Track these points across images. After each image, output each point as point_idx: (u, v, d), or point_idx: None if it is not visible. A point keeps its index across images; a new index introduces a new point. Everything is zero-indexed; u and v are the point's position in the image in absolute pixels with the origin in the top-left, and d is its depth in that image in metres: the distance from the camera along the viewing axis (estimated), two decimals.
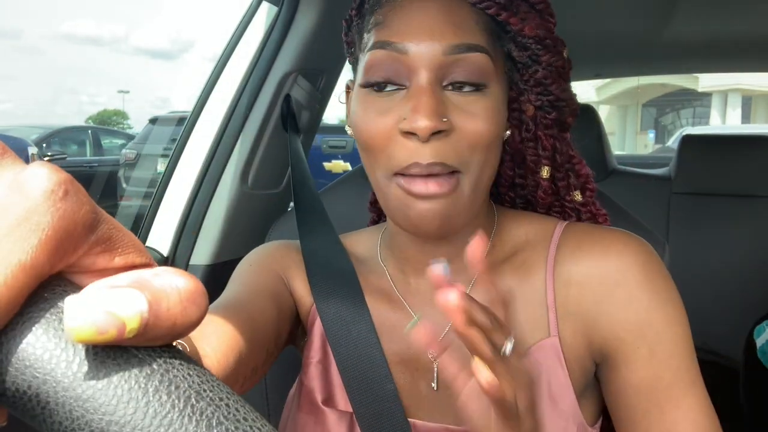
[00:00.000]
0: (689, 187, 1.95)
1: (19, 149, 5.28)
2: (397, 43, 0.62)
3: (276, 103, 1.26)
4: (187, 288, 0.23)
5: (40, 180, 0.22)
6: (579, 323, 0.67)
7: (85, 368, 0.22)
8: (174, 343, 0.24)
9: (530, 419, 0.52)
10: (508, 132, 0.69)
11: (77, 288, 0.23)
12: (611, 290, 0.66)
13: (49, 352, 0.22)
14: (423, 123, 0.59)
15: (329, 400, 0.72)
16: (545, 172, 0.72)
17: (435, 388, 0.69)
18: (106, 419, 0.22)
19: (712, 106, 20.67)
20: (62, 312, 0.22)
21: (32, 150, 5.41)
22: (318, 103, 1.34)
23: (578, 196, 0.74)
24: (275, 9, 1.27)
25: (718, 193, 1.95)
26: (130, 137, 8.55)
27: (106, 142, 8.16)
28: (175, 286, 0.23)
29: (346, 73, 1.42)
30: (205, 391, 0.23)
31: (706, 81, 18.37)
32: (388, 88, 0.63)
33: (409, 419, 0.69)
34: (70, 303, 0.21)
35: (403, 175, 0.62)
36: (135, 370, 0.23)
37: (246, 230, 1.31)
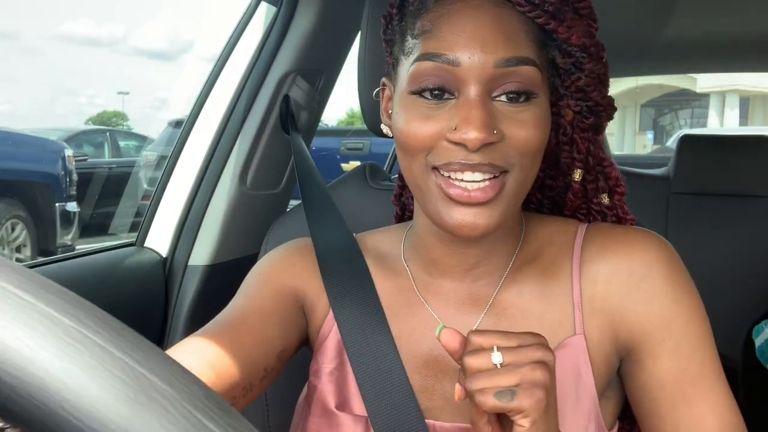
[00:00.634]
0: (688, 187, 1.95)
1: (58, 151, 5.28)
2: (448, 54, 0.62)
3: (275, 103, 1.26)
4: None
5: None
6: (605, 319, 0.68)
7: None
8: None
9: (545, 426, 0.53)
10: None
11: None
12: (637, 284, 0.67)
13: None
14: (474, 135, 0.59)
15: (344, 405, 0.72)
16: (578, 174, 0.73)
17: None
18: None
19: (710, 107, 20.70)
20: None
21: (68, 152, 5.33)
22: (317, 104, 1.34)
23: (605, 199, 0.74)
24: (274, 9, 1.27)
25: (716, 193, 1.95)
26: (144, 138, 8.69)
27: (123, 144, 8.26)
28: None
29: (345, 74, 1.42)
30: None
31: (704, 82, 18.40)
32: (439, 97, 0.63)
33: (428, 420, 0.68)
34: None
35: (441, 170, 0.63)
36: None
37: (244, 231, 1.31)
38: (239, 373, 0.64)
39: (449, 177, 0.62)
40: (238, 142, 1.27)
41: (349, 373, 0.72)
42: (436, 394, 0.70)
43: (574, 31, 0.65)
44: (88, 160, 6.92)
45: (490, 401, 0.52)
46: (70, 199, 5.08)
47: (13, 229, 4.63)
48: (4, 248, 4.49)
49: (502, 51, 0.61)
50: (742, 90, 19.60)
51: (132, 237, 1.30)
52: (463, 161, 0.61)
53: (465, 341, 0.56)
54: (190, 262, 1.26)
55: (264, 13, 1.28)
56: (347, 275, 0.75)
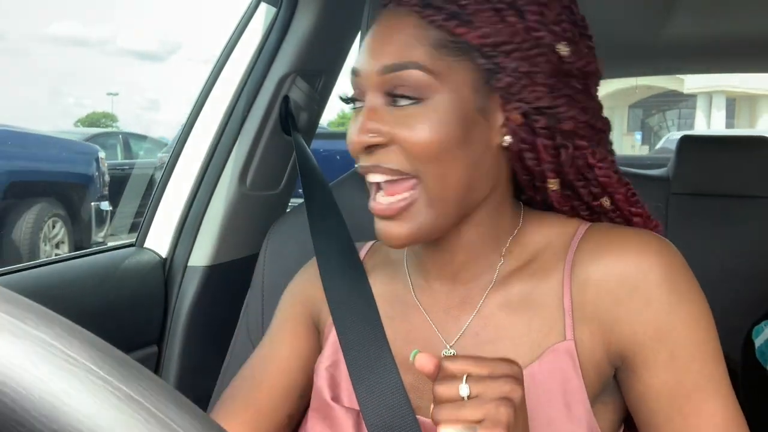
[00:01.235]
0: (688, 187, 1.95)
1: (92, 153, 5.67)
2: (355, 66, 0.68)
3: (274, 104, 1.26)
4: None
5: None
6: (596, 326, 0.66)
7: None
8: None
9: None
10: (508, 138, 0.66)
11: None
12: (630, 292, 0.65)
13: None
14: (354, 138, 0.65)
15: (336, 398, 0.74)
16: (553, 184, 0.69)
17: None
18: None
19: (697, 107, 20.76)
20: None
21: (101, 154, 5.77)
22: (317, 105, 1.34)
23: (607, 203, 0.71)
24: (274, 10, 1.27)
25: (716, 194, 1.95)
26: (155, 141, 9.03)
27: (135, 146, 8.40)
28: None
29: (344, 75, 1.42)
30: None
31: (692, 83, 18.45)
32: (357, 104, 0.69)
33: (420, 417, 0.69)
34: None
35: (364, 177, 0.68)
36: None
37: (244, 231, 1.31)
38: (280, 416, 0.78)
39: (375, 188, 0.67)
40: (237, 142, 1.27)
41: (343, 369, 0.74)
42: (426, 393, 0.70)
43: (481, 30, 0.63)
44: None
45: None
46: (103, 198, 5.46)
47: (53, 227, 4.99)
48: (45, 244, 4.85)
49: (384, 58, 0.64)
50: (728, 91, 19.68)
51: None
52: (362, 164, 0.67)
53: (438, 365, 0.56)
54: (190, 263, 1.26)
55: (263, 14, 1.28)
56: (345, 279, 0.77)
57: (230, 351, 1.13)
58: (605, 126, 0.70)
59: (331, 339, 0.77)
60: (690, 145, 2.05)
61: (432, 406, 0.55)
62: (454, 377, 0.54)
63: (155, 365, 1.21)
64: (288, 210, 1.38)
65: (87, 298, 1.09)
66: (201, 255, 1.26)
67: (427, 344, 0.71)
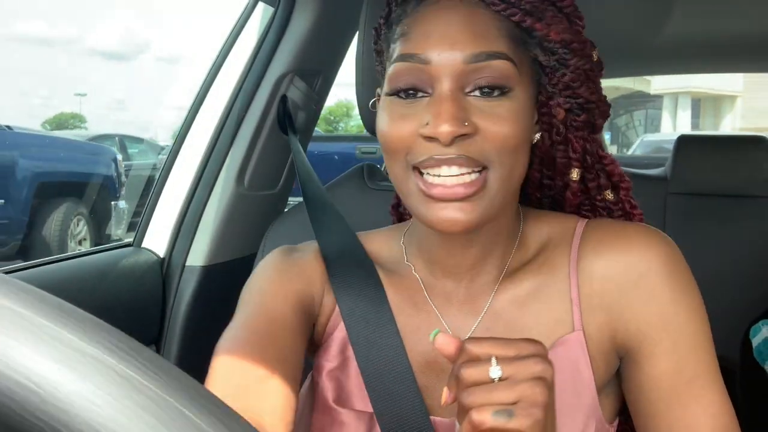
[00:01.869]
0: (685, 187, 1.95)
1: (111, 155, 6.13)
2: (420, 54, 0.64)
3: (272, 104, 1.26)
4: None
5: None
6: (603, 317, 0.68)
7: None
8: None
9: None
10: (538, 135, 0.70)
11: None
12: (635, 283, 0.67)
13: None
14: (444, 128, 0.60)
15: (345, 402, 0.72)
16: (575, 174, 0.72)
17: None
18: None
19: (664, 108, 20.91)
20: None
21: (119, 157, 6.22)
22: (314, 104, 1.34)
23: (610, 195, 0.75)
24: (271, 9, 1.26)
25: (714, 194, 1.95)
26: (150, 143, 9.24)
27: (131, 148, 8.54)
28: None
29: (342, 74, 1.42)
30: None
31: (658, 83, 18.67)
32: (413, 96, 0.65)
33: (432, 417, 0.69)
34: None
35: (419, 169, 0.64)
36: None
37: (242, 231, 1.31)
38: (289, 393, 0.64)
39: (428, 174, 0.63)
40: (235, 142, 1.27)
41: (352, 370, 0.72)
42: (437, 392, 0.70)
43: (553, 27, 0.65)
44: None
45: (489, 420, 0.50)
46: (120, 198, 5.82)
47: (77, 225, 5.39)
48: (70, 241, 5.22)
49: (471, 47, 0.63)
50: (693, 92, 19.92)
51: None
52: (437, 156, 0.62)
53: (461, 346, 0.54)
54: (188, 263, 1.25)
55: (261, 14, 1.28)
56: (353, 271, 0.75)
57: None
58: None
59: (338, 335, 0.74)
60: (688, 144, 2.05)
61: (443, 401, 0.54)
62: (480, 360, 0.53)
63: None
64: (286, 210, 1.38)
65: (85, 298, 1.09)
66: (199, 255, 1.25)
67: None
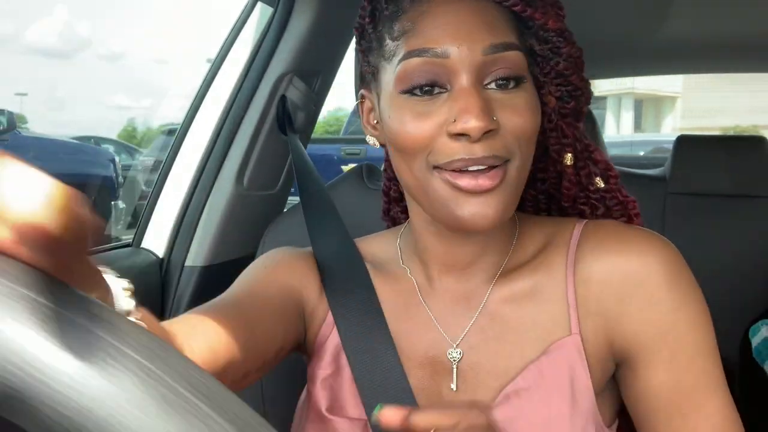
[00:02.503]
0: (685, 187, 1.95)
1: (110, 157, 6.52)
2: (436, 48, 0.61)
3: (271, 104, 1.26)
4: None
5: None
6: (600, 322, 0.66)
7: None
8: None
9: None
10: None
11: None
12: (633, 290, 0.65)
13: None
14: (474, 123, 0.59)
15: (339, 410, 0.71)
16: (569, 159, 0.72)
17: (454, 389, 0.69)
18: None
19: (608, 109, 21.18)
20: None
21: (117, 158, 6.60)
22: (314, 104, 1.34)
23: (601, 183, 0.74)
24: (270, 9, 1.26)
25: (713, 194, 1.95)
26: (122, 144, 9.66)
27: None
28: None
29: (341, 74, 1.42)
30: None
31: (603, 85, 19.05)
32: (429, 92, 0.63)
33: None
34: None
35: (444, 169, 0.62)
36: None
37: (242, 231, 1.31)
38: (239, 359, 0.63)
39: (453, 171, 0.61)
40: (235, 142, 1.27)
41: (346, 377, 0.72)
42: (433, 393, 0.70)
43: (549, 16, 0.66)
44: None
45: None
46: (119, 198, 6.13)
47: None
48: None
49: (488, 38, 0.62)
50: (636, 93, 20.24)
51: None
52: (466, 156, 0.60)
53: (406, 418, 0.53)
54: (187, 263, 1.25)
55: (259, 14, 1.28)
56: (347, 278, 0.75)
57: None
58: None
59: (331, 343, 0.74)
60: (687, 145, 2.05)
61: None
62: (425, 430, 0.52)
63: None
64: (285, 210, 1.38)
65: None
66: (198, 255, 1.25)
67: (433, 344, 0.71)
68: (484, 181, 0.60)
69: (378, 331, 0.71)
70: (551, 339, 0.67)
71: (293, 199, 1.34)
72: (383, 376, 0.69)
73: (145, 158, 7.51)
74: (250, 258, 1.17)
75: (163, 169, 1.31)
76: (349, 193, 1.11)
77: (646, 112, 22.29)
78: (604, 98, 21.44)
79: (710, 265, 1.85)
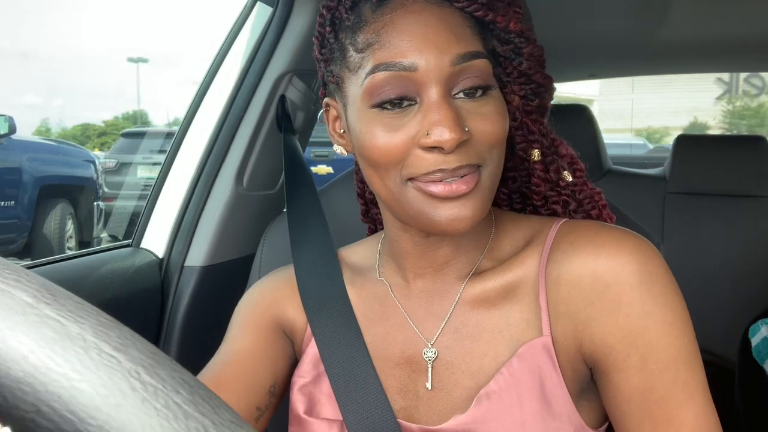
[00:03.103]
0: (684, 186, 1.96)
1: (91, 159, 6.57)
2: (403, 61, 0.61)
3: (271, 103, 1.26)
4: None
5: None
6: (569, 324, 0.65)
7: None
8: None
9: None
10: None
11: None
12: (601, 293, 0.63)
13: None
14: (447, 136, 0.59)
15: (316, 412, 0.73)
16: (536, 154, 0.73)
17: (429, 388, 0.70)
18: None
19: None
20: None
21: (97, 160, 6.68)
22: (313, 104, 1.34)
23: (569, 177, 0.73)
24: (270, 9, 1.26)
25: (712, 193, 1.95)
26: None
27: None
28: None
29: None
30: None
31: None
32: (399, 106, 0.62)
33: (401, 421, 0.69)
34: None
35: (418, 180, 0.62)
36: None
37: (241, 231, 1.31)
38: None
39: (427, 181, 0.62)
40: (234, 142, 1.27)
41: (324, 384, 0.73)
42: (410, 393, 0.70)
43: (510, 18, 0.66)
44: None
45: None
46: (99, 199, 6.41)
47: (68, 224, 5.95)
48: (66, 240, 5.86)
49: (455, 48, 0.61)
50: (555, 96, 21.02)
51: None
52: (442, 167, 0.61)
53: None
54: (187, 263, 1.25)
55: (256, 14, 1.28)
56: (324, 290, 0.77)
57: None
58: None
59: (310, 351, 0.76)
60: (686, 144, 2.05)
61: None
62: None
63: None
64: (284, 210, 1.38)
65: (83, 298, 1.08)
66: (197, 255, 1.25)
67: (408, 344, 0.72)
68: (458, 186, 0.61)
69: (353, 341, 0.73)
70: (523, 340, 0.66)
71: None
72: (359, 386, 0.70)
73: (106, 160, 7.82)
74: (249, 258, 1.17)
75: (162, 169, 1.31)
76: (342, 196, 1.11)
77: None
78: None
79: (709, 264, 1.86)
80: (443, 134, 0.59)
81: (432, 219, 0.63)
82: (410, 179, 0.63)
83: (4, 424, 0.23)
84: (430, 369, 0.70)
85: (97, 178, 6.47)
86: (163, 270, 1.26)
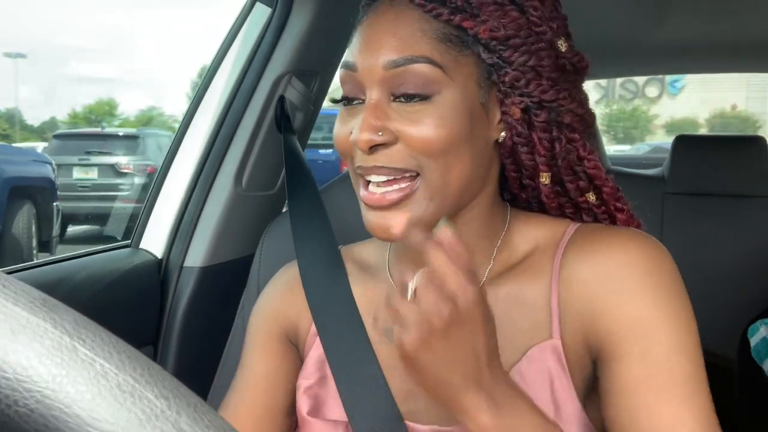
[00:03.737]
0: (683, 187, 1.96)
1: (47, 160, 6.65)
2: (350, 60, 0.66)
3: (270, 104, 1.26)
4: None
5: None
6: (579, 321, 0.65)
7: None
8: None
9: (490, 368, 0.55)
10: (503, 134, 0.68)
11: None
12: (611, 286, 0.64)
13: None
14: (356, 136, 0.63)
15: (320, 413, 0.73)
16: (545, 178, 0.69)
17: None
18: None
19: None
20: None
21: (53, 161, 6.73)
22: (312, 105, 1.34)
23: (591, 198, 0.71)
24: (269, 10, 1.26)
25: (711, 193, 1.96)
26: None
27: None
28: None
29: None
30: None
31: None
32: (350, 102, 0.67)
33: (409, 423, 0.68)
34: None
35: (360, 175, 0.66)
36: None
37: (240, 232, 1.31)
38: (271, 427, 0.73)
39: (367, 181, 0.65)
40: (233, 143, 1.26)
41: (329, 385, 0.73)
42: (416, 394, 0.69)
43: (489, 24, 0.63)
44: None
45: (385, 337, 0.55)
46: (58, 199, 6.52)
47: (33, 225, 6.09)
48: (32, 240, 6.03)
49: (390, 53, 0.63)
50: None
51: None
52: (361, 164, 0.64)
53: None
54: (186, 264, 1.25)
55: (255, 14, 1.28)
56: (328, 288, 0.77)
57: (226, 352, 1.12)
58: (593, 119, 0.72)
59: (314, 353, 0.76)
60: (685, 145, 2.05)
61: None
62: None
63: None
64: (284, 210, 1.38)
65: (82, 300, 1.08)
66: (196, 256, 1.25)
67: None
68: (381, 197, 0.64)
69: (359, 341, 0.72)
70: (531, 343, 0.66)
71: None
72: (364, 387, 0.70)
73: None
74: (248, 259, 1.17)
75: (161, 170, 1.31)
76: (346, 195, 1.11)
77: None
78: None
79: (708, 265, 1.86)
80: (356, 134, 0.63)
81: (366, 224, 0.66)
82: (357, 173, 0.67)
83: None
84: None
85: (56, 178, 6.58)
86: (162, 270, 1.26)
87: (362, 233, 0.87)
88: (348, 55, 0.66)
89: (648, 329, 0.62)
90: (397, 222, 0.63)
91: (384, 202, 0.63)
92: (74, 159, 8.21)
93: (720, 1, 1.50)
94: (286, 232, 1.14)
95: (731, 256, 1.85)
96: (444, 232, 0.55)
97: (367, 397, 0.69)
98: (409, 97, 0.63)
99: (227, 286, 1.25)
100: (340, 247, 0.83)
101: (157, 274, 1.25)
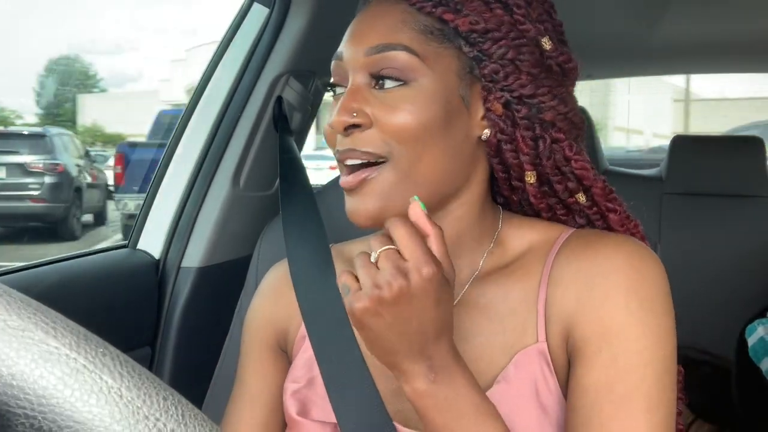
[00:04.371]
0: (680, 187, 1.96)
1: None
2: (339, 51, 0.69)
3: (267, 104, 1.26)
4: None
5: None
6: (560, 323, 0.65)
7: None
8: None
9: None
10: (487, 132, 0.67)
11: None
12: (591, 289, 0.63)
13: None
14: (335, 117, 0.65)
15: (308, 414, 0.72)
16: (530, 177, 0.68)
17: None
18: None
19: None
20: None
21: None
22: (310, 105, 1.34)
23: (582, 198, 0.70)
24: (266, 10, 1.26)
25: (709, 193, 1.96)
26: None
27: None
28: None
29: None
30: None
31: None
32: (338, 90, 0.69)
33: (398, 425, 0.68)
34: None
35: (341, 161, 0.68)
36: None
37: (238, 232, 1.31)
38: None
39: (345, 167, 0.67)
40: (231, 143, 1.26)
41: (318, 386, 0.72)
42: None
43: (469, 18, 0.64)
44: None
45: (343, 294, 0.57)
46: None
47: None
48: None
49: (371, 40, 0.65)
50: None
51: None
52: (337, 147, 0.67)
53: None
54: (183, 264, 1.25)
55: (254, 14, 1.28)
56: (319, 289, 0.76)
57: (224, 352, 1.12)
58: (582, 122, 0.71)
59: (303, 355, 0.76)
60: (683, 145, 2.06)
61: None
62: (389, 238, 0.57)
63: (149, 366, 1.21)
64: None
65: (80, 300, 1.08)
66: (194, 256, 1.25)
67: None
68: (345, 179, 0.66)
69: (348, 342, 0.71)
70: (518, 346, 0.66)
71: None
72: (354, 387, 0.69)
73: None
74: (246, 259, 1.17)
75: (159, 170, 1.31)
76: (338, 198, 1.11)
77: None
78: None
79: (706, 265, 1.86)
80: (332, 116, 0.65)
81: (345, 207, 0.68)
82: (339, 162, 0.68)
83: None
84: None
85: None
86: (160, 271, 1.26)
87: (357, 236, 0.87)
88: (338, 46, 0.69)
89: (619, 337, 0.61)
90: (366, 207, 0.65)
91: (354, 185, 0.65)
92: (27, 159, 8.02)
93: (720, 1, 1.50)
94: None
95: (729, 256, 1.86)
96: (414, 206, 0.58)
97: (355, 399, 0.68)
98: (388, 81, 0.65)
99: (225, 287, 1.25)
100: (331, 245, 0.82)
101: (155, 275, 1.25)
